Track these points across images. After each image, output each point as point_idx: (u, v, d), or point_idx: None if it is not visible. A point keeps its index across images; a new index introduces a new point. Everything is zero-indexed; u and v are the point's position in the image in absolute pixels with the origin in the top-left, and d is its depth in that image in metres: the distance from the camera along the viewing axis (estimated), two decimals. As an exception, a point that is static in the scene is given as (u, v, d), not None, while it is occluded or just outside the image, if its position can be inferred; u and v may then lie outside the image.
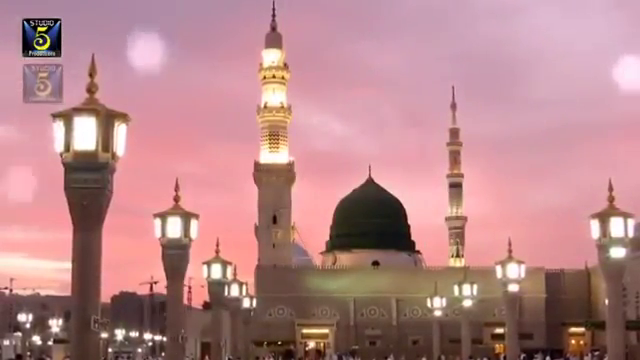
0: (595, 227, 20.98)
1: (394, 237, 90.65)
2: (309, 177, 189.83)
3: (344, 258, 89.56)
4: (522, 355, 47.61)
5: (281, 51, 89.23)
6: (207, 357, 58.71)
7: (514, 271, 30.99)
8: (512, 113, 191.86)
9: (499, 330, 61.66)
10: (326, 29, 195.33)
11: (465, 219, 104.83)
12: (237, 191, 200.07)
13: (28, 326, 67.55)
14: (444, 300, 50.81)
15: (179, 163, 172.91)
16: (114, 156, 11.37)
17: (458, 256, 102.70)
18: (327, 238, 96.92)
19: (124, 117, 11.48)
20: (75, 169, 11.26)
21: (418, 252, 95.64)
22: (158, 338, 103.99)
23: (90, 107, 11.38)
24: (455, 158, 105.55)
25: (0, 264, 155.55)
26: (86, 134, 11.19)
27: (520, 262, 31.23)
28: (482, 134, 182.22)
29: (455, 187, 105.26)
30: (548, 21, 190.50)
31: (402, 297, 77.95)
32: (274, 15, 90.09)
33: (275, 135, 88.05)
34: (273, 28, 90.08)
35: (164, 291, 26.15)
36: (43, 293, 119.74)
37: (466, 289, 43.52)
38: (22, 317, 67.03)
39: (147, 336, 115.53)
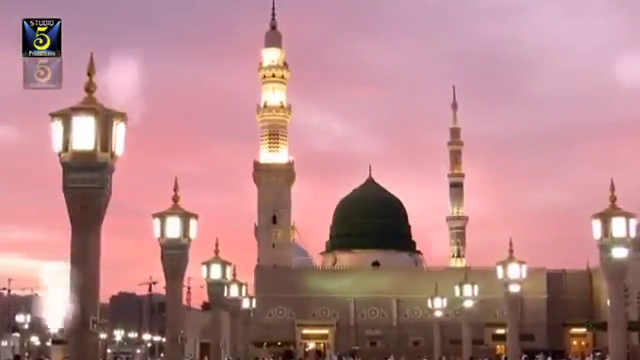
0: (597, 227, 20.87)
1: (394, 237, 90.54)
2: (309, 177, 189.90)
3: (344, 258, 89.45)
4: (523, 356, 47.56)
5: (281, 50, 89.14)
6: (206, 358, 58.71)
7: (515, 271, 30.91)
8: (513, 113, 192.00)
9: (500, 331, 61.54)
10: (326, 28, 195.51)
11: (466, 219, 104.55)
12: (237, 191, 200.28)
13: (26, 327, 67.33)
14: (445, 300, 50.66)
15: (178, 163, 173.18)
16: (113, 156, 11.29)
17: (459, 256, 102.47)
18: (327, 238, 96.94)
19: (123, 116, 11.41)
20: (74, 169, 11.19)
21: (419, 252, 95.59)
22: (157, 339, 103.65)
23: (88, 106, 11.31)
24: (456, 158, 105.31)
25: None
26: (85, 134, 11.12)
27: (521, 262, 31.15)
28: (483, 134, 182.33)
29: (456, 187, 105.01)
30: (549, 21, 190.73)
31: (402, 297, 77.92)
32: (274, 14, 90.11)
33: (275, 135, 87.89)
34: (273, 27, 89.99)
35: (163, 291, 26.10)
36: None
37: (467, 289, 43.43)
38: (20, 318, 66.82)
39: (146, 337, 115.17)
